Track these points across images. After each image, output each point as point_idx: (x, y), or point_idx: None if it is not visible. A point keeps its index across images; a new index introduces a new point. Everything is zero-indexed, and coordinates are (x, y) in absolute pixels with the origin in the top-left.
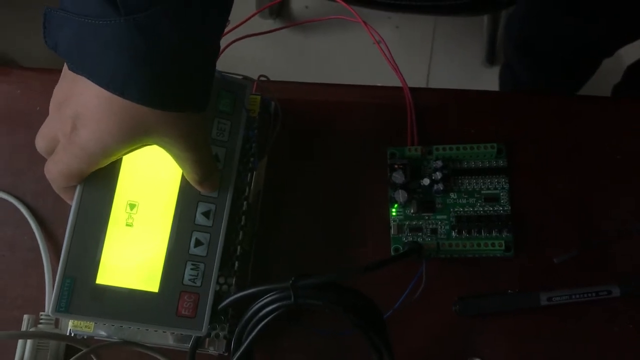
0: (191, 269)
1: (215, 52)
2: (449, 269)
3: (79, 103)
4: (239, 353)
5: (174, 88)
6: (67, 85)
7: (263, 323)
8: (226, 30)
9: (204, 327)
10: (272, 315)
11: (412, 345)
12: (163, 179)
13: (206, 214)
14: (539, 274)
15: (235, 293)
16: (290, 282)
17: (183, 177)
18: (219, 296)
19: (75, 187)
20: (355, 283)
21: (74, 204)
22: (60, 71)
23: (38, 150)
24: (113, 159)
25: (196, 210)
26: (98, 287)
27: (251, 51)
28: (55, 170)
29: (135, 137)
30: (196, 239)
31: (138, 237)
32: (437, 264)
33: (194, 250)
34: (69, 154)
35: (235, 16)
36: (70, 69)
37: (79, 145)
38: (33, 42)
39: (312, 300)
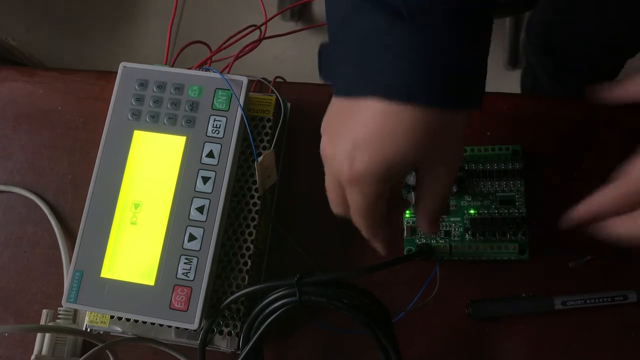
0: (184, 263)
1: (488, 46)
2: (462, 271)
3: (355, 131)
4: (247, 349)
5: (458, 85)
6: (336, 126)
7: (270, 319)
8: (247, 32)
9: (195, 321)
10: (278, 312)
11: (424, 347)
12: (162, 178)
13: (200, 209)
14: (553, 278)
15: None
16: (296, 279)
17: (180, 173)
18: (232, 293)
19: (382, 223)
20: (369, 285)
21: (87, 203)
22: (82, 71)
23: (334, 210)
24: (394, 181)
25: (191, 206)
26: (102, 279)
27: (273, 53)
28: (356, 219)
29: (420, 149)
30: (190, 233)
31: (140, 234)
32: (451, 266)
33: (187, 244)
34: (355, 194)
35: (256, 18)
36: (348, 94)
37: (362, 178)
38: (58, 44)
39: (317, 298)
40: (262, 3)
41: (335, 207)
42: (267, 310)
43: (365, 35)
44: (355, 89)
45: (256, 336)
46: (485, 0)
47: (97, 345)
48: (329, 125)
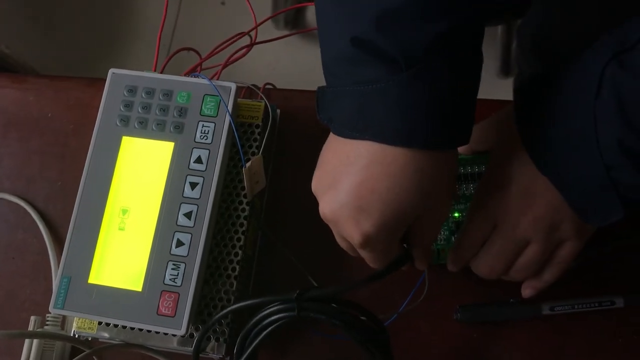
0: (172, 269)
1: (479, 79)
2: (451, 276)
3: (354, 187)
4: (243, 358)
5: (453, 126)
6: (332, 173)
7: (266, 332)
8: (236, 38)
9: (182, 326)
10: (274, 325)
11: (414, 352)
12: (150, 183)
13: (188, 215)
14: None
15: (237, 298)
16: (295, 295)
17: (168, 178)
18: (220, 299)
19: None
20: (357, 293)
21: (75, 209)
22: (73, 78)
23: (350, 253)
24: (403, 229)
25: (178, 212)
26: (90, 286)
27: (265, 60)
28: (372, 265)
29: (422, 196)
30: (178, 239)
31: (128, 240)
32: (439, 270)
33: (175, 250)
34: (368, 253)
35: (249, 24)
36: (348, 136)
37: (371, 240)
38: (50, 51)
39: (316, 315)
40: (252, 9)
41: (351, 253)
42: (264, 323)
43: (362, 83)
44: (353, 133)
45: (251, 348)
46: (475, 37)
47: (85, 351)
48: (323, 168)
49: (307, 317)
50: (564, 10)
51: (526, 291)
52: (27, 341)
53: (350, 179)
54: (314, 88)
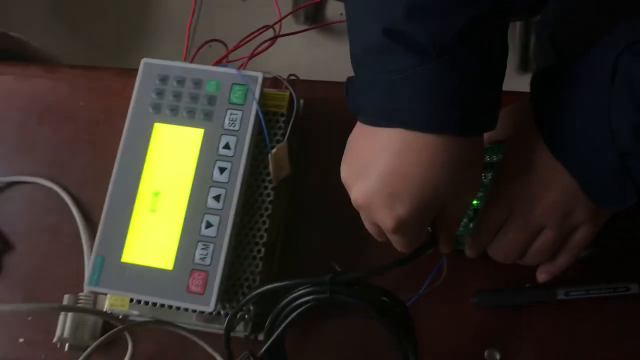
0: (202, 248)
1: (505, 66)
2: (468, 261)
3: (384, 173)
4: (272, 338)
5: (481, 112)
6: (361, 159)
7: (297, 312)
8: (261, 31)
9: (211, 303)
10: (306, 306)
11: (431, 335)
12: (181, 168)
13: (217, 198)
14: None
15: (262, 280)
16: (328, 278)
17: (198, 163)
18: (246, 279)
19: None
20: (379, 275)
21: (108, 192)
22: (104, 68)
23: (378, 239)
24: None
25: (208, 195)
26: (122, 264)
27: (285, 57)
28: (401, 250)
29: (451, 182)
30: (207, 221)
31: (159, 221)
32: (458, 256)
33: (204, 231)
34: (399, 238)
35: (271, 20)
36: (377, 125)
37: (404, 226)
38: (74, 45)
39: (348, 298)
40: (277, 3)
41: (380, 239)
42: (296, 303)
43: (392, 72)
44: (383, 121)
45: (282, 326)
46: (501, 26)
47: (117, 327)
48: (352, 157)
49: (339, 300)
50: (581, 5)
51: (541, 276)
52: (61, 318)
53: (381, 167)
54: (334, 79)
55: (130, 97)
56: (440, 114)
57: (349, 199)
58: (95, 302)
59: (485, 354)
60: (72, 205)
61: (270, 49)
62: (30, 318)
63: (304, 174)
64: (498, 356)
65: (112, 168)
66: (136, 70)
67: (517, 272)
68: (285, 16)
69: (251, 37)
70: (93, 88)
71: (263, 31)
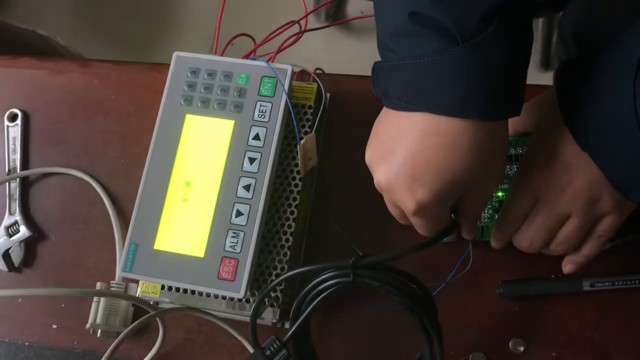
0: (232, 236)
1: (529, 53)
2: (494, 252)
3: (408, 156)
4: (298, 322)
5: (506, 97)
6: (386, 142)
7: (321, 297)
8: (287, 26)
9: (242, 290)
10: (330, 290)
11: (456, 324)
12: (212, 158)
13: (247, 187)
14: None
15: (290, 268)
16: (351, 261)
17: (229, 154)
18: (274, 267)
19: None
20: (404, 263)
21: (142, 181)
22: (135, 63)
23: (400, 222)
24: (455, 199)
25: (238, 184)
26: (155, 252)
27: (307, 53)
28: (422, 233)
29: (474, 166)
30: (237, 209)
31: (191, 210)
32: (483, 247)
33: (235, 220)
34: (420, 220)
35: (294, 15)
36: (402, 109)
37: (424, 208)
38: (100, 40)
39: (371, 281)
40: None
41: (401, 221)
42: (320, 288)
43: (418, 56)
44: (408, 105)
45: (307, 311)
46: (526, 12)
47: (148, 313)
48: (377, 140)
49: (362, 283)
50: (599, 6)
51: (567, 267)
52: (94, 305)
53: (404, 150)
54: (359, 73)
55: (160, 90)
56: (465, 98)
57: (372, 189)
58: (126, 290)
59: (510, 344)
60: (104, 195)
61: (293, 45)
62: (63, 305)
63: (328, 165)
64: (523, 346)
65: (142, 159)
66: (165, 65)
67: (542, 263)
68: (311, 12)
69: (278, 32)
70: (123, 82)
71: (289, 26)
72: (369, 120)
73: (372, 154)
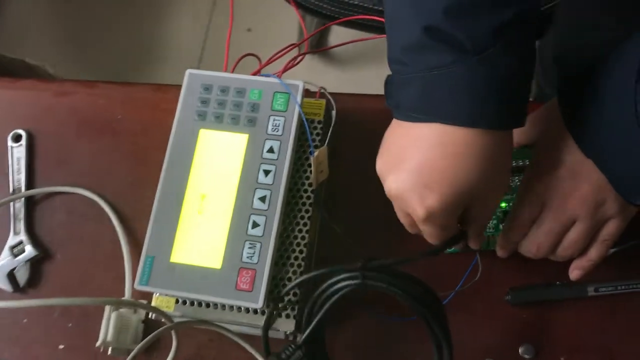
0: (249, 247)
1: (533, 69)
2: (500, 261)
3: (418, 166)
4: (312, 325)
5: (514, 107)
6: (396, 153)
7: (332, 301)
8: (291, 48)
9: (260, 300)
10: (340, 293)
11: (467, 331)
12: (227, 171)
13: (262, 199)
14: None
15: (304, 274)
16: (360, 264)
17: (244, 166)
18: (289, 279)
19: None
20: (413, 274)
21: (157, 195)
22: (140, 84)
23: (409, 231)
24: (463, 208)
25: (253, 196)
26: (172, 264)
27: (311, 70)
28: (430, 241)
29: (482, 175)
30: (253, 221)
31: (206, 222)
32: (490, 256)
33: (251, 231)
34: (429, 228)
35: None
36: (414, 120)
37: (434, 216)
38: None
39: (379, 283)
40: (304, 23)
41: (411, 230)
42: (330, 291)
43: (430, 69)
44: (420, 116)
45: (319, 316)
46: (533, 26)
47: (159, 329)
48: (388, 151)
49: (372, 285)
50: (588, 21)
51: (574, 273)
52: (104, 322)
53: (415, 159)
54: (360, 92)
55: (166, 110)
56: (476, 109)
57: (382, 199)
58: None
59: (520, 350)
60: (111, 213)
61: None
62: (70, 325)
63: (336, 180)
64: (532, 352)
65: (149, 178)
66: (170, 85)
67: (548, 270)
68: (312, 34)
69: (282, 53)
70: (128, 102)
71: (291, 49)
72: (371, 135)
73: (383, 164)
